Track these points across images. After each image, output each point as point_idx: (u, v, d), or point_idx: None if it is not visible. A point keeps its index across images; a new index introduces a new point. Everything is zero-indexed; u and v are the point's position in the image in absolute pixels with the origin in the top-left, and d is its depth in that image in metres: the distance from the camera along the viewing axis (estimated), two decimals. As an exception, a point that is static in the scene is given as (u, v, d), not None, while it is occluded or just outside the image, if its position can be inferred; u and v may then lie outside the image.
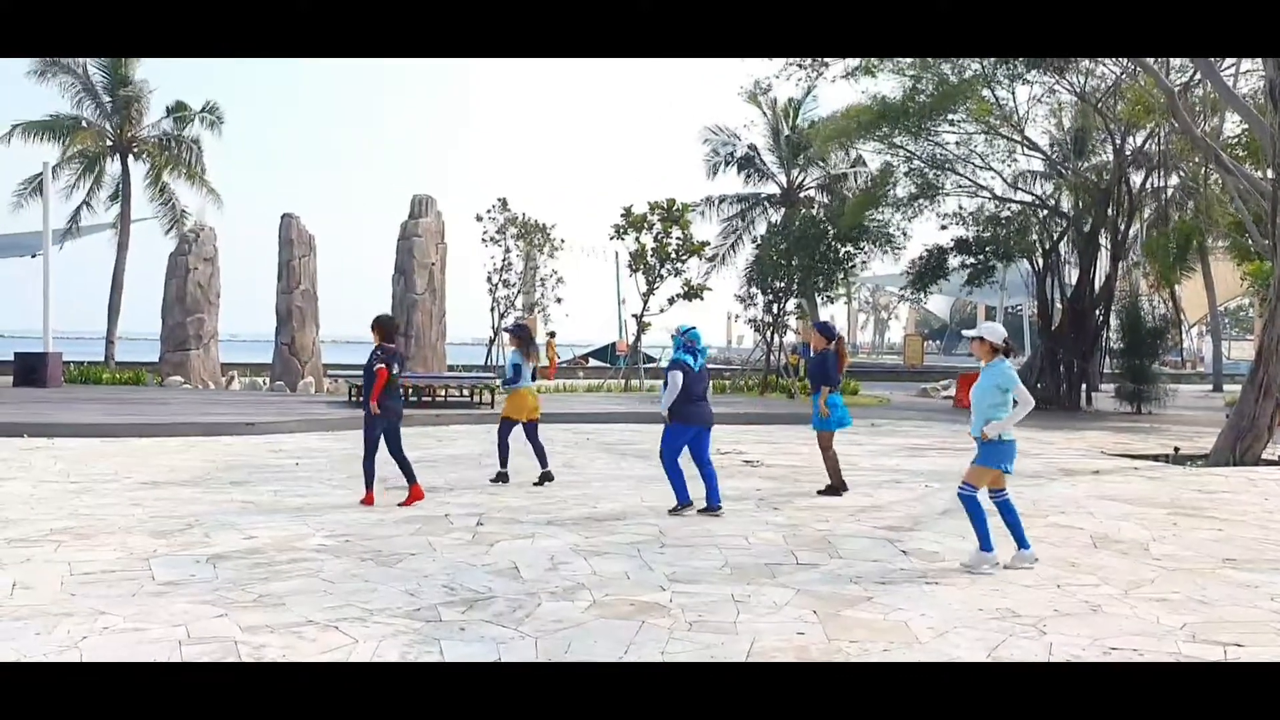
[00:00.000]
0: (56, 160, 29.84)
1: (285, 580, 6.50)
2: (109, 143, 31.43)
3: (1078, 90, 24.11)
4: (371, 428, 9.55)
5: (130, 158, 31.66)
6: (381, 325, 9.57)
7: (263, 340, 31.40)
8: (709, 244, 34.52)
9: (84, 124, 30.89)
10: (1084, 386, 25.91)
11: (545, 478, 11.01)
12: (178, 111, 31.76)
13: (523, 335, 11.40)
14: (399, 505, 9.33)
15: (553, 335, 33.88)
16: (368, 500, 9.44)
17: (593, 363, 43.19)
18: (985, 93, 24.06)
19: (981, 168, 26.71)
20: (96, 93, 31.12)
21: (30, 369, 23.44)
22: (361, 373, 10.79)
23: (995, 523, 7.18)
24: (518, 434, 11.17)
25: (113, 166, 31.90)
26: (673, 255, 28.92)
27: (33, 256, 29.82)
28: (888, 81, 24.60)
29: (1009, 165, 27.44)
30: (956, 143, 26.25)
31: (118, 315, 31.14)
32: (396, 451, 9.55)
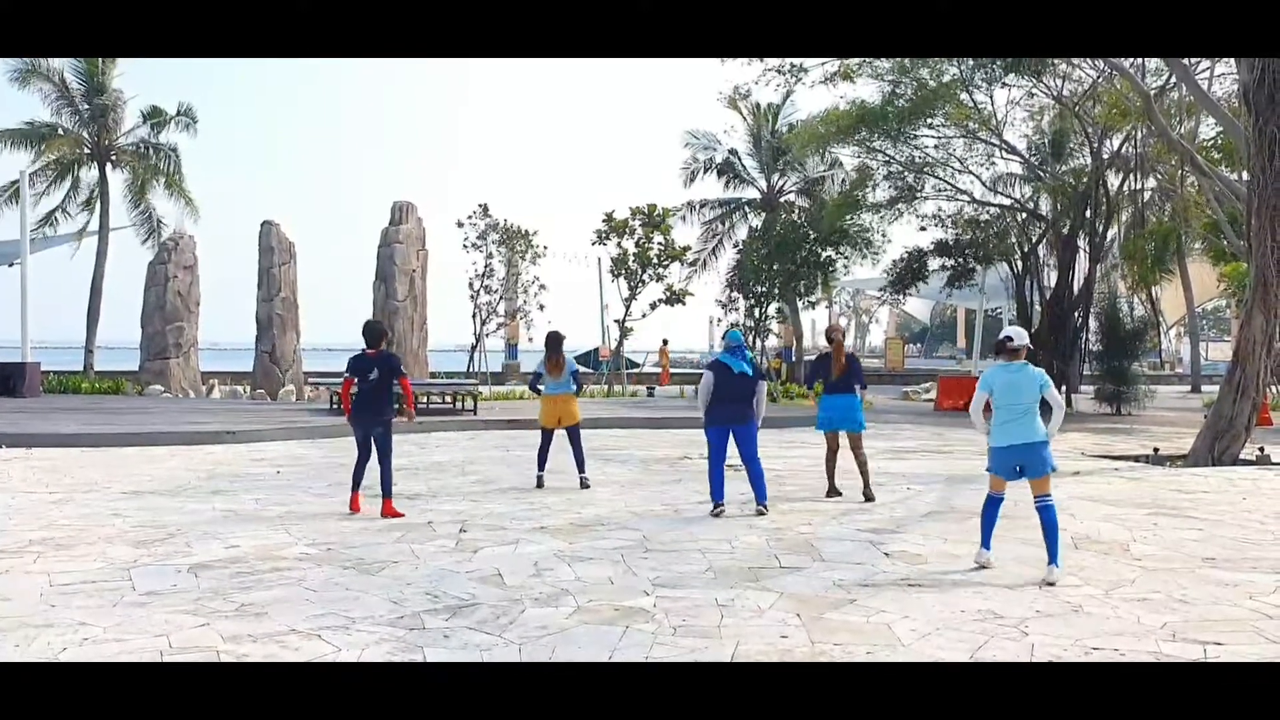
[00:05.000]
0: (33, 167, 29.62)
1: (267, 589, 6.47)
2: (86, 150, 31.21)
3: (1055, 94, 24.28)
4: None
5: (109, 166, 31.44)
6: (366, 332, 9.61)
7: (243, 348, 31.29)
8: (690, 249, 34.62)
9: (60, 131, 30.65)
10: (1064, 388, 26.04)
11: (583, 483, 11.15)
12: (153, 117, 31.55)
13: (548, 342, 11.54)
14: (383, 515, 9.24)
15: (665, 343, 33.72)
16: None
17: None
18: (964, 97, 24.21)
19: (960, 171, 26.88)
20: (74, 100, 30.90)
21: (8, 379, 23.23)
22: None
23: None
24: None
25: (89, 174, 31.67)
26: (654, 260, 29.00)
27: (10, 265, 29.56)
28: (866, 86, 24.79)
29: (987, 169, 27.67)
30: (935, 146, 26.40)
31: (97, 324, 30.92)
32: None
